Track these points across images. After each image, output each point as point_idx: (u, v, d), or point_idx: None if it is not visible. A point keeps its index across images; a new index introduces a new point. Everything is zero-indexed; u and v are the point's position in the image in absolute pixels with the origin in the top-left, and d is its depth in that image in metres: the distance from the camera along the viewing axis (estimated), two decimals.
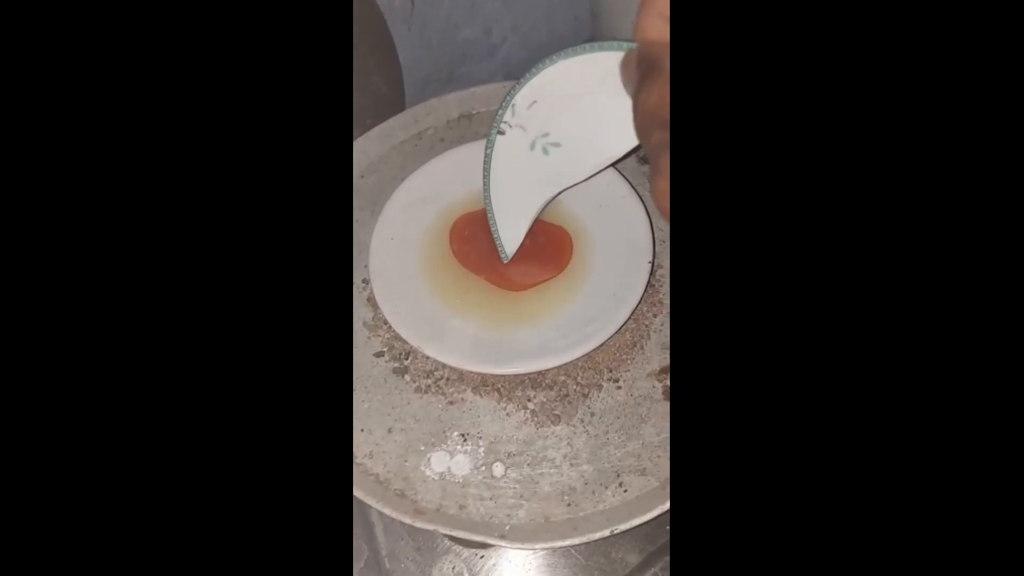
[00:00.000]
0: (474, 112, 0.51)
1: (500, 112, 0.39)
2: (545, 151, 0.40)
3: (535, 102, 0.38)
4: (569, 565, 0.36)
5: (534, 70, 0.37)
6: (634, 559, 0.36)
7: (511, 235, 0.42)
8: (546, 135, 0.40)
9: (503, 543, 0.33)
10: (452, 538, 0.37)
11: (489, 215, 0.41)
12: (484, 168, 0.41)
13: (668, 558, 0.36)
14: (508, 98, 0.38)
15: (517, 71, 0.74)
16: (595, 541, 0.36)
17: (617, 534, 0.36)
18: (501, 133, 0.40)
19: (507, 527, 0.34)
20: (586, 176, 0.41)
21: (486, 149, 0.40)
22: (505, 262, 0.42)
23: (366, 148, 0.49)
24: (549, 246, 0.42)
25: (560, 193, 0.42)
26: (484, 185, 0.41)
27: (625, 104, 0.29)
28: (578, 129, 0.39)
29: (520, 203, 0.41)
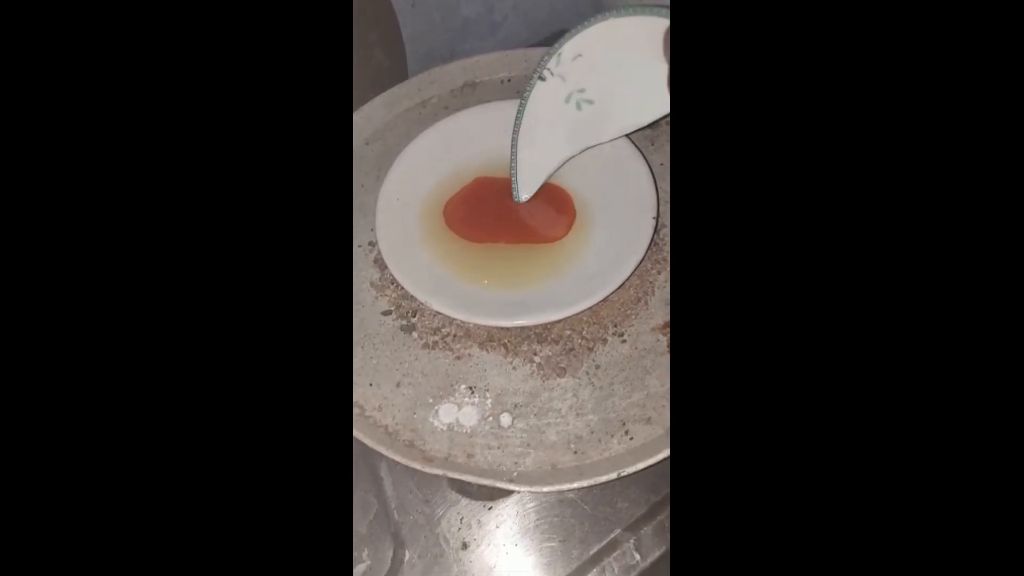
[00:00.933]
0: (477, 81, 0.52)
1: (546, 58, 0.40)
2: (578, 106, 0.41)
3: (580, 55, 0.39)
4: (576, 515, 0.37)
5: (586, 23, 0.38)
6: (640, 508, 0.37)
7: (528, 182, 0.43)
8: (582, 91, 0.41)
9: (511, 486, 0.33)
10: (461, 489, 0.38)
11: (512, 157, 0.42)
12: (519, 109, 0.41)
13: None
14: (557, 46, 0.39)
15: None
16: (601, 492, 0.37)
17: (623, 483, 0.37)
18: (542, 79, 0.41)
19: (515, 473, 0.34)
20: (609, 138, 0.42)
21: (524, 92, 0.41)
22: (518, 202, 0.43)
23: (371, 116, 0.50)
24: (555, 203, 0.43)
25: (581, 152, 0.43)
26: (515, 126, 0.42)
27: (662, 71, 0.29)
28: (613, 89, 0.40)
29: (543, 153, 0.42)
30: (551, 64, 0.40)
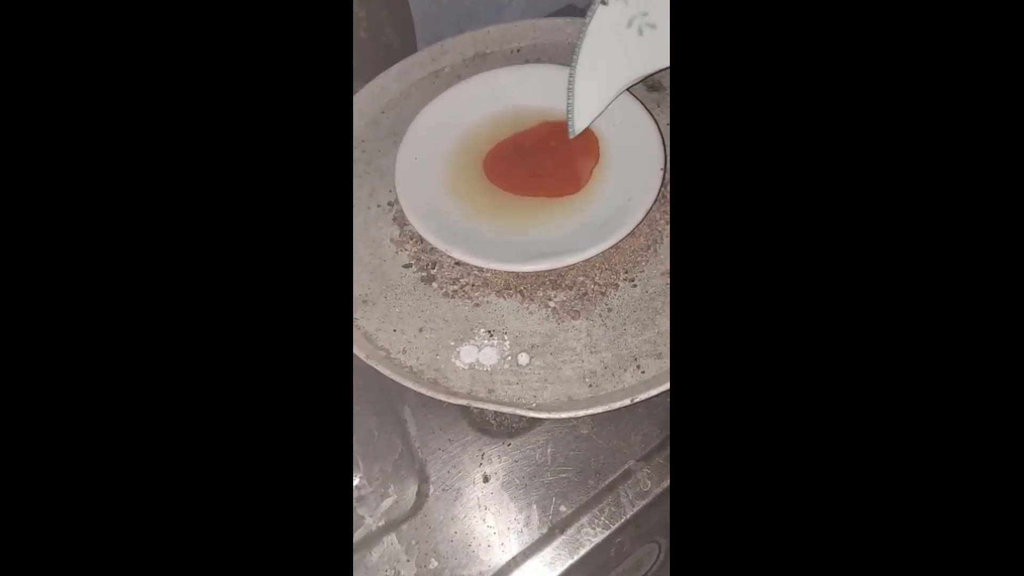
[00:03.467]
0: (488, 51, 0.54)
1: None
2: (640, 31, 0.41)
3: None
4: (591, 449, 0.39)
5: None
6: (653, 442, 0.38)
7: (586, 110, 0.43)
8: (645, 14, 0.41)
9: (532, 413, 0.35)
10: (481, 428, 0.40)
11: (569, 88, 0.43)
12: (579, 36, 0.41)
13: None
14: None
15: None
16: (616, 427, 0.39)
17: (637, 419, 0.39)
18: (604, 3, 0.41)
19: (534, 404, 0.36)
20: (666, 64, 0.41)
21: (586, 17, 0.41)
22: (571, 137, 0.44)
23: (386, 86, 0.52)
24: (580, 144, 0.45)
25: (643, 79, 0.43)
26: (575, 54, 0.42)
27: None
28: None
29: (603, 79, 0.42)
30: None
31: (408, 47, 0.64)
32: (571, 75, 0.43)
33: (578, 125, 0.44)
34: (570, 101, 0.43)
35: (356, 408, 0.41)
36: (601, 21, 0.41)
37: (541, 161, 0.45)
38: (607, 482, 0.38)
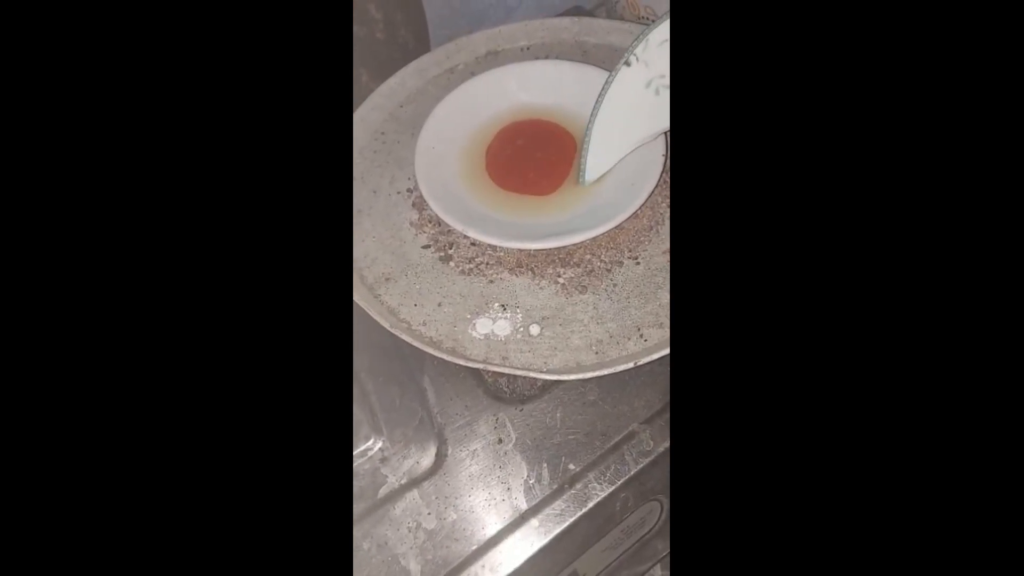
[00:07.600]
0: (500, 49, 0.57)
1: (634, 43, 0.40)
2: (657, 91, 0.42)
3: (665, 41, 0.40)
4: (597, 413, 0.42)
5: None
6: (656, 406, 0.41)
7: (597, 163, 0.45)
8: (663, 76, 0.42)
9: (543, 376, 0.38)
10: (495, 395, 0.43)
11: (585, 139, 0.44)
12: (600, 93, 0.42)
13: None
14: (647, 31, 0.40)
15: None
16: (620, 394, 0.42)
17: (640, 385, 0.42)
18: (627, 64, 0.41)
19: (545, 369, 0.39)
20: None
21: (609, 75, 0.42)
22: (583, 185, 0.46)
23: (404, 81, 0.55)
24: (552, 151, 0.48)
25: (655, 137, 0.44)
26: (593, 110, 0.43)
27: None
28: None
29: (618, 138, 0.44)
30: (638, 50, 0.40)
31: (422, 48, 0.68)
32: (587, 130, 0.44)
33: (589, 178, 0.46)
34: (584, 154, 0.45)
35: (379, 379, 0.44)
36: (622, 81, 0.42)
37: (526, 168, 0.48)
38: (612, 443, 0.41)
